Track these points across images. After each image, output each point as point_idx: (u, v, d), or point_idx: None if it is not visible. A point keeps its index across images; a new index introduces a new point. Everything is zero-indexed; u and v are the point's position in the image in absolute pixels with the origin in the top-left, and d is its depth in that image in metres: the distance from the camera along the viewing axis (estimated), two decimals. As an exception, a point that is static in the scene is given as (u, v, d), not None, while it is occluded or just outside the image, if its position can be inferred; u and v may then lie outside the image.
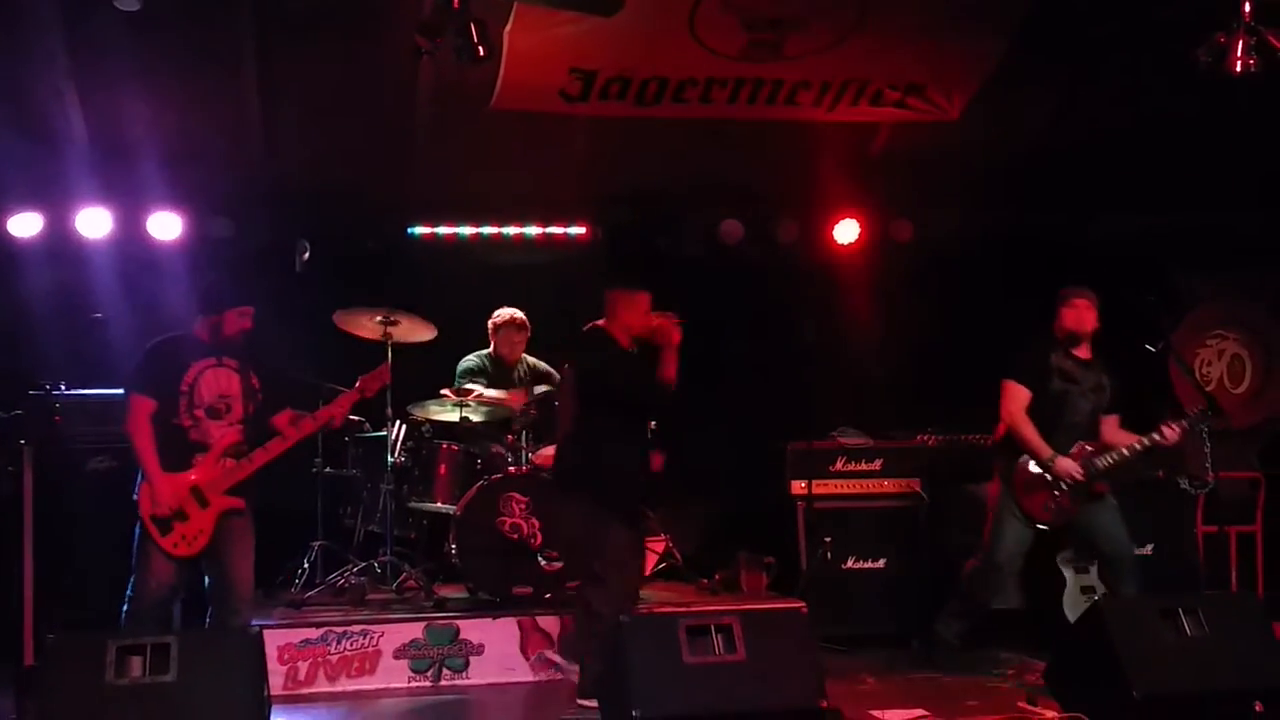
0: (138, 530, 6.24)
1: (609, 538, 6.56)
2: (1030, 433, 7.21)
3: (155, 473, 6.16)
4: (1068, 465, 7.15)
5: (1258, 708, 5.81)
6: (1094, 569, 7.81)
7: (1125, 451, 7.19)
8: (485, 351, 8.69)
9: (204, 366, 6.33)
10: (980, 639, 7.67)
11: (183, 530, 6.18)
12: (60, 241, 8.60)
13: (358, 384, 6.64)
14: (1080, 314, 7.31)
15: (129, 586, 6.27)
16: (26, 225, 8.54)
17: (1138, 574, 7.28)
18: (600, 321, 6.80)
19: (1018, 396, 7.28)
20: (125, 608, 6.25)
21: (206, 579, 6.35)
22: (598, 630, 6.36)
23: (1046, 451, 7.17)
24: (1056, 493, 7.19)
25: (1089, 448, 7.21)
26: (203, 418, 6.28)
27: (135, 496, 6.24)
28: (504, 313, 8.67)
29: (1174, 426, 7.14)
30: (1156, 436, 7.15)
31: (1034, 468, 7.20)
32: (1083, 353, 7.34)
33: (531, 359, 8.74)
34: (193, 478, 6.21)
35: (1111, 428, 7.37)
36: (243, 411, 6.37)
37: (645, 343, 6.69)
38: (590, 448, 6.71)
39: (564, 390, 7.27)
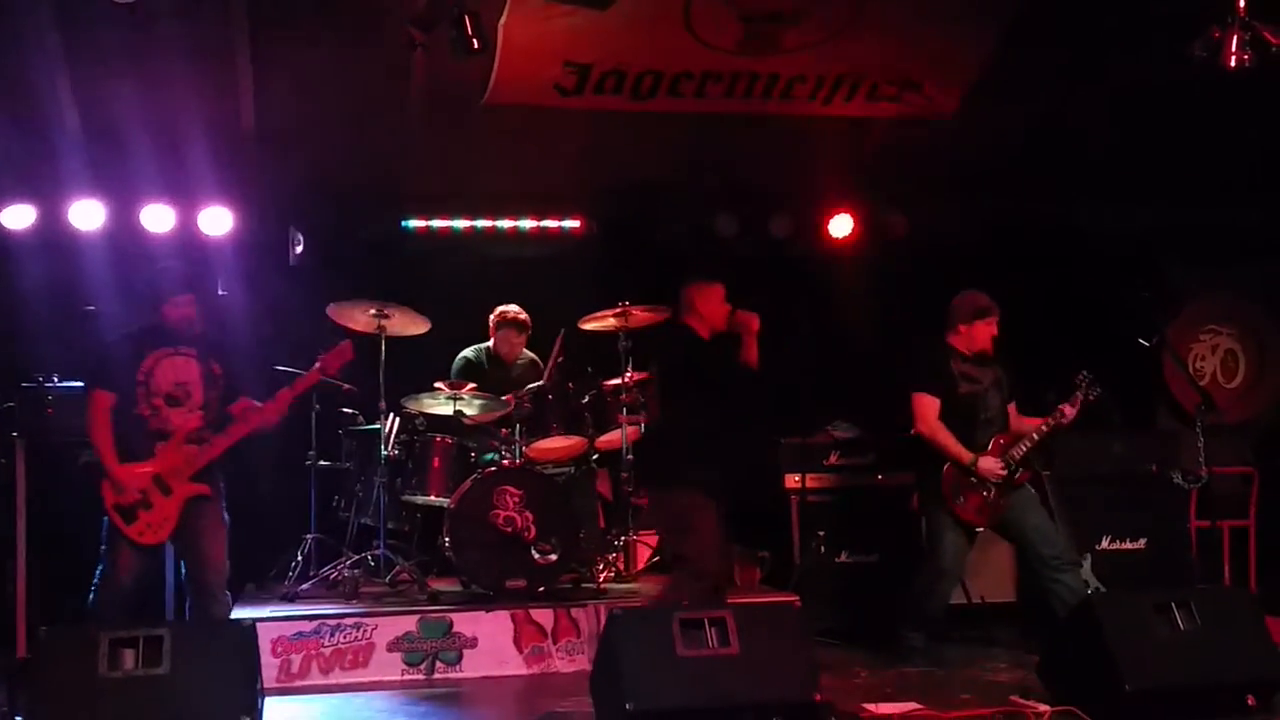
0: (105, 521, 6.31)
1: (693, 523, 6.66)
2: (948, 439, 7.27)
3: (112, 465, 6.27)
4: (989, 464, 7.23)
5: (1250, 702, 5.83)
6: (1086, 563, 7.82)
7: (1035, 436, 7.27)
8: (484, 346, 8.69)
9: (160, 355, 6.41)
10: (974, 633, 7.68)
11: (147, 518, 6.28)
12: (53, 233, 8.59)
13: (318, 363, 6.71)
14: (992, 331, 7.39)
15: (96, 575, 6.34)
16: (19, 217, 8.52)
17: (1071, 560, 7.33)
18: (679, 318, 6.94)
19: (930, 405, 7.34)
20: (91, 595, 6.32)
21: (182, 567, 6.47)
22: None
23: (967, 456, 7.24)
24: (985, 493, 7.25)
25: (1003, 440, 7.31)
26: (161, 406, 6.37)
27: (98, 492, 6.31)
28: (506, 310, 8.64)
29: (1072, 404, 7.22)
30: (1058, 416, 7.24)
31: (959, 473, 7.24)
32: (984, 349, 7.43)
33: (530, 353, 8.72)
34: (154, 466, 6.30)
35: (1013, 415, 7.50)
36: (203, 398, 6.45)
37: (722, 333, 6.82)
38: (678, 437, 6.84)
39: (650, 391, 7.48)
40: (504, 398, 8.02)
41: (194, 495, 6.35)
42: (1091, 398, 7.25)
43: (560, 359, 8.31)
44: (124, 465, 6.27)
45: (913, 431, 7.42)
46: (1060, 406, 7.25)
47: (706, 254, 9.21)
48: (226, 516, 6.55)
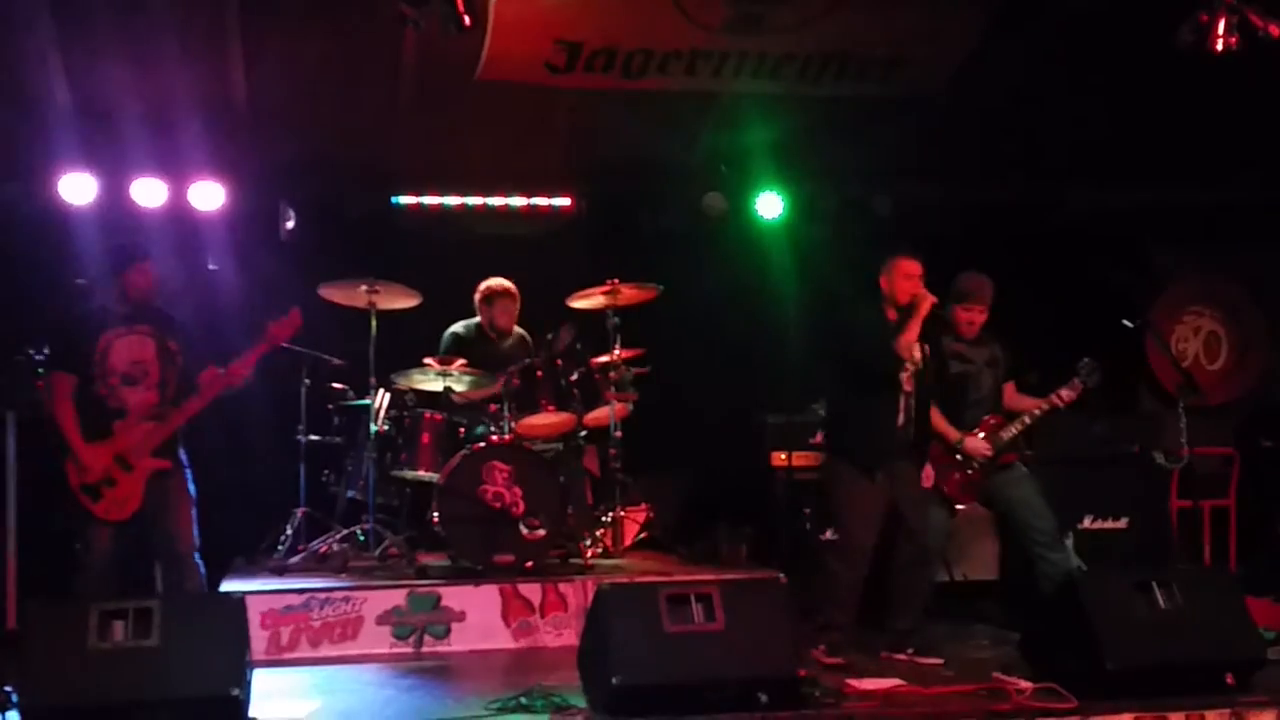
0: (69, 509, 6.39)
1: (842, 497, 6.88)
2: (936, 418, 7.29)
3: (77, 444, 6.37)
4: (976, 444, 7.25)
5: (1229, 680, 5.88)
6: (1068, 542, 7.88)
7: (1028, 419, 7.29)
8: (473, 321, 8.70)
9: (114, 336, 6.48)
10: (955, 611, 7.73)
11: (112, 496, 6.37)
12: (43, 208, 8.58)
13: (267, 332, 6.72)
14: (973, 319, 7.35)
15: (77, 568, 6.42)
16: (10, 191, 8.50)
17: (1062, 541, 7.37)
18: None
19: None
20: (74, 581, 6.38)
21: (153, 543, 6.57)
22: (833, 589, 6.82)
23: (954, 434, 7.26)
24: (969, 471, 7.28)
25: (993, 421, 7.32)
26: (117, 385, 6.46)
27: (61, 474, 6.38)
28: (494, 283, 8.64)
29: (1070, 389, 7.24)
30: (1055, 399, 7.27)
31: (943, 450, 7.28)
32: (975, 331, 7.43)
33: (520, 329, 8.74)
34: (114, 445, 6.39)
35: (1011, 394, 7.50)
36: (159, 375, 6.54)
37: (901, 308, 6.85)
38: (832, 407, 7.30)
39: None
40: (495, 376, 8.06)
41: (156, 470, 6.45)
42: (1091, 385, 7.25)
43: (562, 346, 8.30)
44: (87, 445, 6.37)
45: None
46: (1058, 390, 7.26)
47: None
48: (193, 489, 6.63)
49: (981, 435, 7.28)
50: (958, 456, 7.27)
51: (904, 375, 6.81)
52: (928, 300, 6.75)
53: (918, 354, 6.84)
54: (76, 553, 6.39)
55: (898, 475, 6.84)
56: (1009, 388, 7.51)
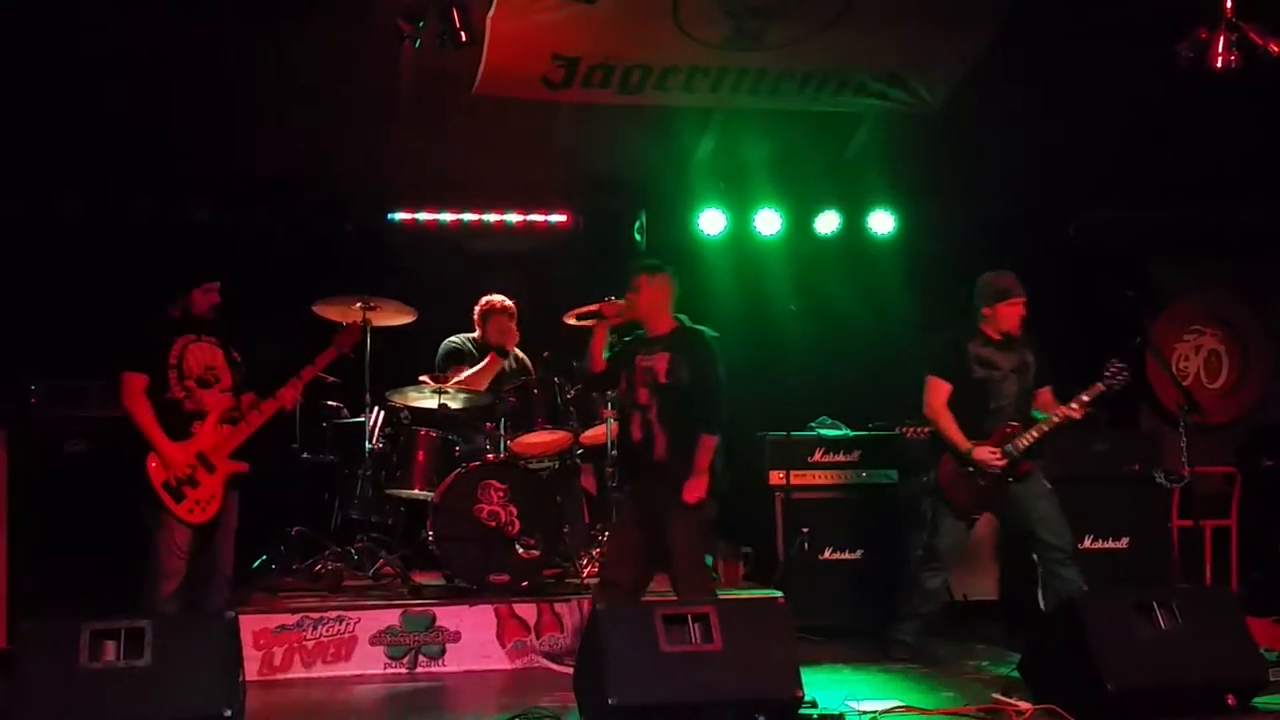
0: (147, 509, 6.40)
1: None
2: (948, 424, 7.25)
3: (162, 441, 6.44)
4: (985, 453, 7.16)
5: (1230, 701, 5.85)
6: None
7: (1044, 426, 7.18)
8: (470, 335, 8.66)
9: (186, 342, 6.63)
10: (956, 631, 7.70)
11: (195, 496, 6.46)
12: (40, 223, 8.54)
13: (334, 341, 6.98)
14: (1017, 312, 7.31)
15: (150, 575, 6.39)
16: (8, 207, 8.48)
17: (1077, 559, 7.24)
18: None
19: (938, 390, 7.33)
20: (153, 595, 6.34)
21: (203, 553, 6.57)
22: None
23: (965, 443, 7.20)
24: (982, 481, 7.21)
25: (1008, 430, 7.21)
26: (194, 388, 6.59)
27: (140, 475, 6.39)
28: (492, 300, 8.60)
29: (1089, 393, 7.10)
30: (1072, 407, 7.13)
31: (956, 460, 7.23)
32: (1015, 331, 7.34)
33: (518, 351, 8.70)
34: (196, 445, 6.50)
35: (1046, 401, 7.36)
36: (231, 381, 6.72)
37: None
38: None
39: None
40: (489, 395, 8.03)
41: (235, 473, 6.59)
42: (1116, 387, 7.08)
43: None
44: (173, 443, 6.46)
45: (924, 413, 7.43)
46: (1077, 395, 7.11)
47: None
48: None
49: (993, 444, 7.20)
50: (969, 468, 7.20)
51: (643, 391, 6.67)
52: (609, 308, 6.83)
53: (661, 368, 6.64)
54: (153, 563, 6.39)
55: (645, 497, 6.71)
56: (1044, 394, 7.36)
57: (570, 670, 6.23)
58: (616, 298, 8.08)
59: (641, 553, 6.69)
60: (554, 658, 7.30)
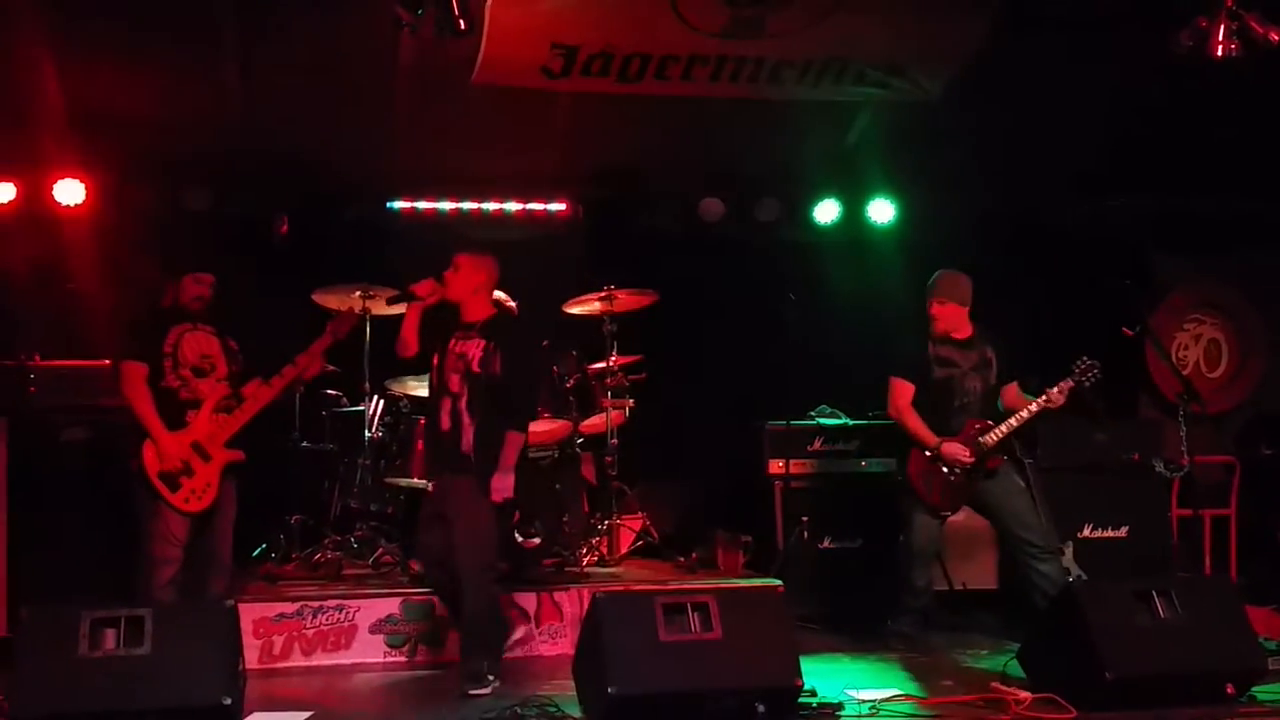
0: (142, 497, 6.43)
1: None
2: (915, 423, 7.25)
3: (159, 430, 6.44)
4: (953, 449, 7.16)
5: (1229, 690, 5.85)
6: (1068, 551, 7.84)
7: (1014, 421, 7.16)
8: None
9: (182, 330, 6.63)
10: (955, 620, 7.71)
11: (191, 485, 6.47)
12: (36, 211, 8.53)
13: (328, 328, 6.92)
14: (943, 314, 7.30)
15: (145, 563, 6.41)
16: (1, 194, 8.47)
17: (1053, 550, 7.25)
18: None
19: (902, 391, 7.33)
20: (149, 583, 6.37)
21: (201, 540, 6.58)
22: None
23: (932, 440, 7.21)
24: (952, 478, 7.20)
25: (977, 425, 7.21)
26: (190, 377, 6.59)
27: (135, 463, 6.43)
28: (498, 297, 8.53)
29: (1059, 390, 7.09)
30: (1043, 400, 7.12)
31: (925, 458, 7.23)
32: (961, 334, 7.34)
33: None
34: (192, 434, 6.50)
35: (1011, 396, 7.38)
36: (226, 369, 6.71)
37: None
38: None
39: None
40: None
41: (231, 461, 6.59)
42: (1086, 383, 7.09)
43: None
44: (169, 432, 6.46)
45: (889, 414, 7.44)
46: (1047, 391, 7.13)
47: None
48: None
49: (961, 440, 7.20)
50: (941, 465, 7.21)
51: (454, 377, 6.42)
52: (423, 288, 6.53)
53: (475, 355, 6.40)
54: (146, 553, 6.41)
55: (446, 488, 6.49)
56: (1010, 390, 7.41)
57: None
58: (615, 286, 8.14)
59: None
60: None
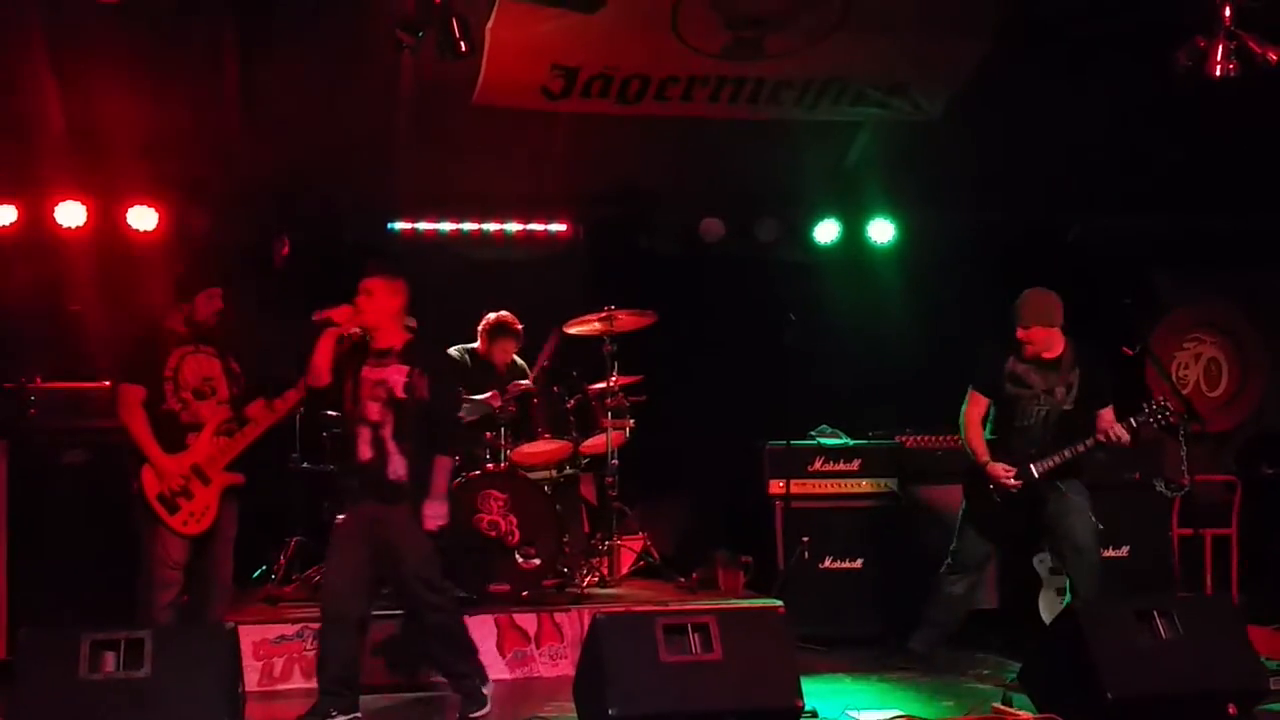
0: (141, 519, 6.40)
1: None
2: (972, 437, 7.22)
3: (156, 454, 6.41)
4: (997, 470, 7.10)
5: (1231, 710, 5.83)
6: (1043, 561, 7.83)
7: (1068, 453, 7.07)
8: (471, 346, 8.62)
9: (183, 352, 6.59)
10: (956, 640, 7.69)
11: (190, 508, 6.43)
12: (37, 233, 8.55)
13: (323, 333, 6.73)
14: (1030, 338, 7.11)
15: (145, 585, 6.39)
16: (2, 217, 8.48)
17: (1098, 575, 7.16)
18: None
19: (975, 402, 7.29)
20: (149, 605, 6.34)
21: (200, 563, 6.55)
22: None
23: (983, 456, 7.17)
24: (998, 498, 7.15)
25: (1032, 451, 7.12)
26: (190, 400, 6.55)
27: (135, 485, 6.41)
28: (503, 316, 8.47)
29: (1126, 428, 7.00)
30: (1101, 437, 7.05)
31: (977, 474, 7.20)
32: (1051, 353, 7.17)
33: (520, 360, 8.67)
34: (191, 457, 6.46)
35: (1107, 421, 7.14)
36: (228, 392, 6.67)
37: None
38: None
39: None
40: (488, 395, 7.98)
41: (231, 485, 6.55)
42: (1154, 425, 7.02)
43: (546, 364, 8.30)
44: (167, 455, 6.43)
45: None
46: (1114, 424, 7.02)
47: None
48: None
49: (1011, 463, 7.09)
50: (989, 485, 7.16)
51: (372, 405, 6.21)
52: (339, 314, 6.31)
53: (397, 381, 6.22)
54: (145, 577, 6.39)
55: (373, 518, 6.22)
56: (1105, 414, 7.17)
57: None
58: (616, 307, 8.14)
59: (372, 583, 6.30)
60: None
